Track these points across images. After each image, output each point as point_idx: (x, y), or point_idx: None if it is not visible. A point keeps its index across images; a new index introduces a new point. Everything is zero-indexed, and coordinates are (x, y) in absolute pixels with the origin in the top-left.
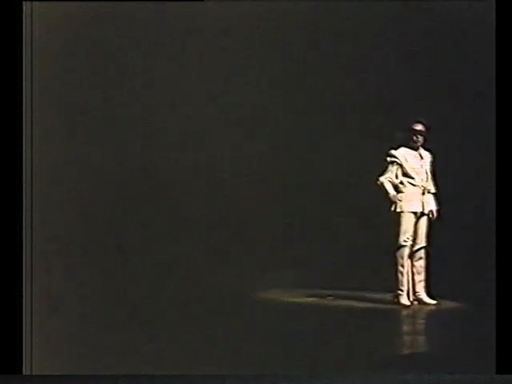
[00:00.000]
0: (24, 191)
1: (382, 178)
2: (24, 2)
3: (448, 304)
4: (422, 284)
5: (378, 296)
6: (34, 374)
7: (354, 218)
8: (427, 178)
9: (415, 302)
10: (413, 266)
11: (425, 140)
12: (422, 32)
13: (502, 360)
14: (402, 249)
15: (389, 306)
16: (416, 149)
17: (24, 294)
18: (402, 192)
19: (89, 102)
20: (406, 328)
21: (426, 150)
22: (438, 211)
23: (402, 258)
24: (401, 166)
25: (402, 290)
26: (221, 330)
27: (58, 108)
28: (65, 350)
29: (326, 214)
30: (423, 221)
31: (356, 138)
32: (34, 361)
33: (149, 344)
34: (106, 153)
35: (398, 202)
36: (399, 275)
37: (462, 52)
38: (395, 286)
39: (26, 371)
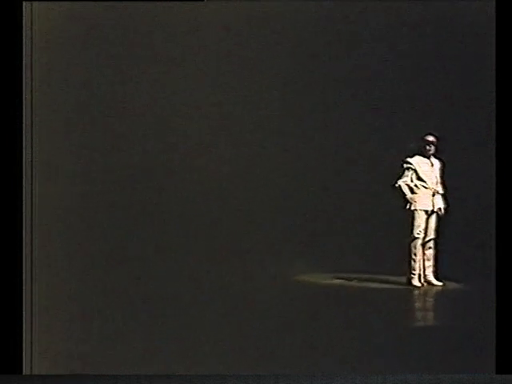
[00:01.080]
0: (24, 191)
1: (399, 182)
2: (24, 2)
3: (453, 285)
4: (431, 269)
5: (393, 278)
6: (33, 373)
7: (374, 216)
8: (437, 181)
9: (425, 284)
10: (424, 254)
11: (436, 149)
12: (422, 32)
13: (502, 360)
14: (415, 240)
15: (401, 287)
16: (428, 157)
17: (24, 294)
18: (415, 193)
19: (89, 101)
20: (417, 305)
21: (436, 158)
22: (446, 209)
23: (415, 247)
24: (415, 171)
25: (414, 274)
26: (225, 329)
27: (57, 108)
28: (65, 350)
29: (349, 211)
30: (433, 217)
31: (365, 131)
32: (33, 361)
33: (149, 344)
34: (105, 152)
35: (412, 201)
36: (412, 262)
37: (461, 52)
38: (408, 271)
39: (25, 371)
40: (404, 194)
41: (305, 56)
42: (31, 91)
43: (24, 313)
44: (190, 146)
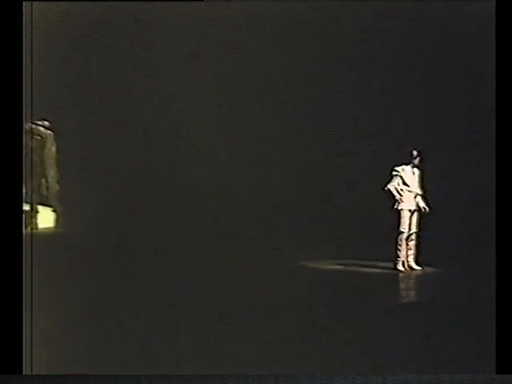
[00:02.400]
0: (24, 192)
1: (389, 186)
2: (24, 2)
3: (430, 269)
4: (412, 257)
5: (381, 264)
6: (34, 373)
7: (369, 214)
8: (418, 186)
9: (407, 268)
10: (407, 245)
11: (419, 162)
12: (422, 32)
13: (502, 360)
14: (401, 234)
15: (388, 271)
16: (411, 166)
17: (24, 294)
18: (401, 195)
19: (88, 101)
20: (401, 285)
21: (417, 167)
22: (426, 207)
23: (401, 240)
24: (401, 177)
25: (398, 260)
26: (225, 329)
27: (57, 108)
28: (65, 350)
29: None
30: (415, 215)
31: (366, 137)
32: (33, 361)
33: (149, 344)
34: (105, 152)
35: (400, 202)
36: (398, 251)
37: (462, 52)
38: (394, 258)
39: (26, 371)
40: (393, 196)
41: (304, 56)
42: (31, 91)
43: (24, 313)
44: (190, 144)
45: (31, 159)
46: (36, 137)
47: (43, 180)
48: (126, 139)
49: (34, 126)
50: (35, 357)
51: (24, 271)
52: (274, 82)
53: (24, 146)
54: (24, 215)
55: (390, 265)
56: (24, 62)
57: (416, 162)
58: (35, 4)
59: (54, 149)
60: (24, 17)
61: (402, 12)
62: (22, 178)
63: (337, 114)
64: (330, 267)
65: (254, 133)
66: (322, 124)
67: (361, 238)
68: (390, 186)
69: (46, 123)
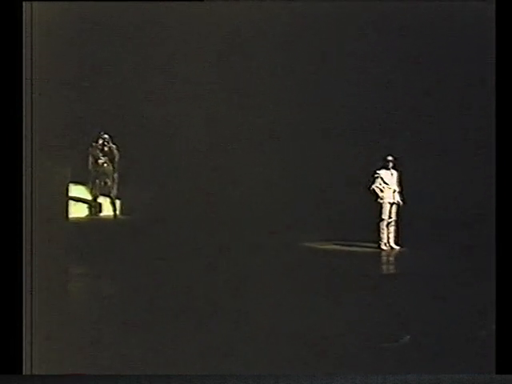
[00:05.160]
0: (24, 192)
1: (373, 186)
2: (24, 2)
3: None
4: (392, 239)
5: (368, 244)
6: (34, 374)
7: (360, 204)
8: (396, 184)
9: (389, 248)
10: (388, 229)
11: (394, 165)
12: (422, 32)
13: (502, 360)
14: (382, 221)
15: (373, 250)
16: (389, 169)
17: (24, 294)
18: (382, 192)
19: (88, 101)
20: (384, 259)
21: (394, 169)
22: (400, 201)
23: (383, 225)
24: (381, 178)
25: (381, 241)
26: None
27: (57, 108)
28: (65, 350)
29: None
30: (394, 207)
31: (363, 134)
32: (33, 361)
33: (149, 344)
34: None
35: (382, 197)
36: (381, 234)
37: (462, 52)
38: (378, 239)
39: (26, 371)
40: (377, 194)
41: (304, 55)
42: (31, 91)
43: (24, 313)
44: (189, 143)
45: (31, 158)
46: (104, 150)
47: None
48: (126, 137)
49: (101, 140)
50: (35, 357)
51: (24, 271)
52: (273, 82)
53: (24, 146)
54: (24, 215)
55: (376, 245)
56: (24, 62)
57: (391, 165)
58: (35, 4)
59: (115, 156)
60: (24, 17)
61: (402, 12)
62: (22, 177)
63: (336, 108)
64: (327, 247)
65: (254, 127)
66: (321, 118)
67: (352, 224)
68: (374, 187)
69: (106, 136)
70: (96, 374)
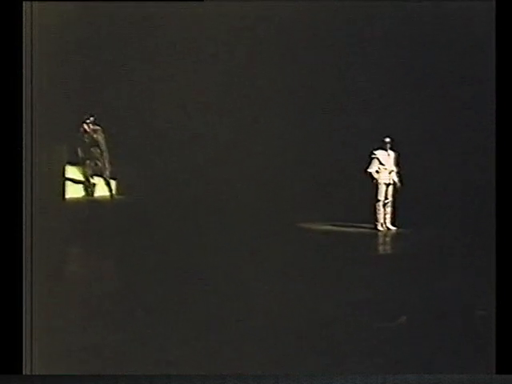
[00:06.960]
0: (24, 192)
1: (369, 169)
2: (24, 2)
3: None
4: (388, 220)
5: (366, 225)
6: (34, 374)
7: (357, 185)
8: (393, 164)
9: (385, 228)
10: (384, 210)
11: (391, 146)
12: (422, 32)
13: (502, 360)
14: (379, 202)
15: (371, 230)
16: (386, 150)
17: (24, 294)
18: (379, 173)
19: (88, 101)
20: (380, 240)
21: (391, 150)
22: (398, 182)
23: (379, 206)
24: (378, 159)
25: (378, 222)
26: (225, 329)
27: (58, 108)
28: (65, 350)
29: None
30: (390, 188)
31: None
32: (33, 361)
33: (149, 344)
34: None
35: (378, 179)
36: (377, 215)
37: (461, 52)
38: (374, 220)
39: (26, 371)
40: (373, 176)
41: (304, 55)
42: (31, 91)
43: (24, 313)
44: (188, 143)
45: (31, 159)
46: (89, 132)
47: (98, 162)
48: (125, 137)
49: (86, 124)
50: (35, 357)
51: (24, 271)
52: (272, 81)
53: (24, 146)
54: (24, 214)
55: (372, 226)
56: (24, 62)
57: (388, 146)
58: (35, 4)
59: (100, 138)
60: (24, 17)
61: (401, 12)
62: (22, 177)
63: (335, 111)
64: (325, 228)
65: (251, 129)
66: (322, 102)
67: (350, 204)
68: (371, 170)
69: (92, 118)
70: (96, 374)
